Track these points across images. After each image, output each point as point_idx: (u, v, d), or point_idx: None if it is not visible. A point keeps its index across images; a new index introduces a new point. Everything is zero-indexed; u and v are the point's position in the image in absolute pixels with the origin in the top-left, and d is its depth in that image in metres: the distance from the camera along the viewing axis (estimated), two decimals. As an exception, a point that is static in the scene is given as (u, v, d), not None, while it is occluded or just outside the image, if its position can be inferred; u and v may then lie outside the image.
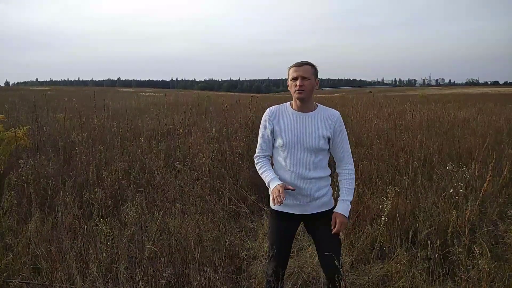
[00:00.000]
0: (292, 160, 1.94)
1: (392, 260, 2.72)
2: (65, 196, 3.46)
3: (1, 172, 4.00)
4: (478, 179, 3.71)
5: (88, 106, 10.96)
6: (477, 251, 2.24)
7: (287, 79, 2.00)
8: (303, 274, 2.68)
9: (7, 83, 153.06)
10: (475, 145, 5.15)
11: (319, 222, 2.02)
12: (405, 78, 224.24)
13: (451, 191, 3.15)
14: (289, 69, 1.98)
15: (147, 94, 27.04)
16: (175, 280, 2.45)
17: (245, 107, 10.05)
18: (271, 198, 2.02)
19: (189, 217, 3.17)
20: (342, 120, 2.01)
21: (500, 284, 2.35)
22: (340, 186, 2.04)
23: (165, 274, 2.40)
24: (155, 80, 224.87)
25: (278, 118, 2.00)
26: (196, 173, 4.29)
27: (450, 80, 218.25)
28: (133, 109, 12.14)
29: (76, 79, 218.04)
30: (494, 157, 3.29)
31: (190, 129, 6.92)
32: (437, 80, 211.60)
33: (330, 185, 2.08)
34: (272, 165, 2.08)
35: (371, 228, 3.05)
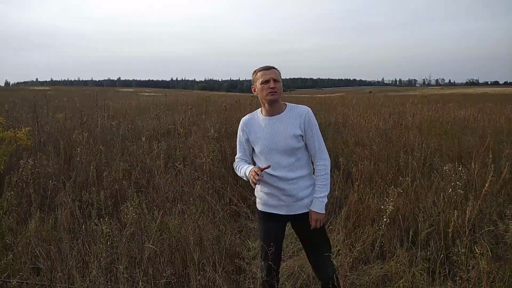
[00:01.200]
0: (272, 164, 1.96)
1: (392, 260, 2.72)
2: (65, 196, 3.46)
3: (1, 172, 4.00)
4: (477, 179, 3.71)
5: (88, 106, 10.97)
6: (478, 251, 2.24)
7: (254, 84, 2.02)
8: (303, 274, 2.67)
9: (7, 83, 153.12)
10: (474, 145, 5.15)
11: (306, 223, 2.03)
12: (405, 78, 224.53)
13: (449, 191, 3.15)
14: (257, 73, 2.01)
15: (147, 94, 27.04)
16: (175, 280, 2.45)
17: (245, 107, 10.04)
18: (256, 195, 2.11)
19: (189, 217, 3.17)
20: (312, 115, 2.01)
21: (501, 284, 2.35)
22: (315, 183, 2.05)
23: (165, 274, 2.40)
24: (155, 80, 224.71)
25: (251, 127, 2.05)
26: (196, 173, 4.28)
27: (450, 80, 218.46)
28: (133, 109, 12.13)
29: (76, 79, 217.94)
30: (492, 156, 3.29)
31: (190, 129, 6.92)
32: (437, 80, 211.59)
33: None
34: None
35: (371, 229, 3.05)
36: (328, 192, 2.03)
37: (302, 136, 1.98)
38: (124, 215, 3.11)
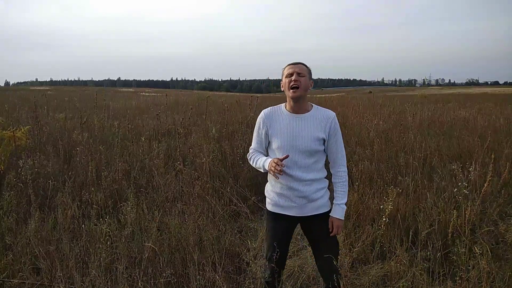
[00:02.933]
0: (287, 163, 1.92)
1: (392, 260, 2.72)
2: (64, 196, 3.46)
3: (1, 172, 4.00)
4: (478, 179, 3.71)
5: (88, 106, 10.96)
6: (478, 251, 2.24)
7: (281, 79, 1.99)
8: (303, 274, 2.67)
9: (7, 83, 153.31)
10: (474, 145, 5.15)
11: (316, 224, 2.02)
12: (405, 78, 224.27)
13: (455, 190, 3.14)
14: (284, 68, 1.99)
15: (147, 94, 27.05)
16: (175, 280, 2.45)
17: (245, 107, 10.05)
18: (267, 185, 2.08)
19: (189, 217, 3.17)
20: (337, 121, 2.00)
21: (501, 284, 2.35)
22: (334, 189, 2.05)
23: (164, 274, 2.40)
24: (155, 80, 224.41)
25: (272, 121, 1.99)
26: (196, 173, 4.28)
27: (450, 80, 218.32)
28: (134, 109, 12.13)
29: (76, 79, 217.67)
30: (493, 156, 3.29)
31: (191, 129, 6.92)
32: (437, 80, 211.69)
33: (328, 188, 2.07)
34: None
35: (371, 228, 3.05)
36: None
37: (325, 140, 1.96)
38: (123, 215, 3.11)
